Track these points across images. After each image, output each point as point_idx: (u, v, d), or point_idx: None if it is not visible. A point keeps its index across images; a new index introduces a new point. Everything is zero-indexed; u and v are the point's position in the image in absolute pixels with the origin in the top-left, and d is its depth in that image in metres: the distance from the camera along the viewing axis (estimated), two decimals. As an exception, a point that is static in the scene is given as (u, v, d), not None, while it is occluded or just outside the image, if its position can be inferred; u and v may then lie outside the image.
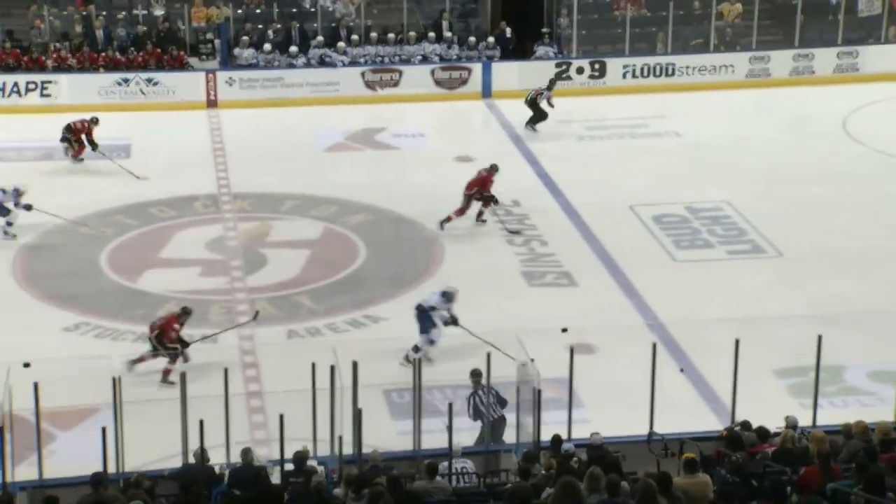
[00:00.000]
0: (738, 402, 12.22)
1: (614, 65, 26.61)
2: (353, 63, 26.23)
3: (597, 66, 26.59)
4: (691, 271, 17.90)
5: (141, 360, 14.57)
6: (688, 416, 13.15)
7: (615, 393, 13.92)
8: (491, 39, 26.89)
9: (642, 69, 26.60)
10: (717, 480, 9.77)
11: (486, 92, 26.24)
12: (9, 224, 18.59)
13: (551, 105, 23.76)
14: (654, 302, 16.66)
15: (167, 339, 14.40)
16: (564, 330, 15.35)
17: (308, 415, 11.46)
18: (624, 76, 26.53)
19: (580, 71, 26.51)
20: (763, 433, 11.20)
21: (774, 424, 11.43)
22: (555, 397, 12.66)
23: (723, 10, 27.58)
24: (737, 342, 11.97)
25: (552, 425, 11.84)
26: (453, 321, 15.04)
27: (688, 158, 22.32)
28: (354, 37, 26.55)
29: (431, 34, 26.73)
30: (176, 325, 14.50)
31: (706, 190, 20.57)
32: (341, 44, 26.32)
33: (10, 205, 18.50)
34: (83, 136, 21.40)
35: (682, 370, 13.10)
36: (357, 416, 11.16)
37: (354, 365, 11.24)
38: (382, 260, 18.23)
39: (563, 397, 12.52)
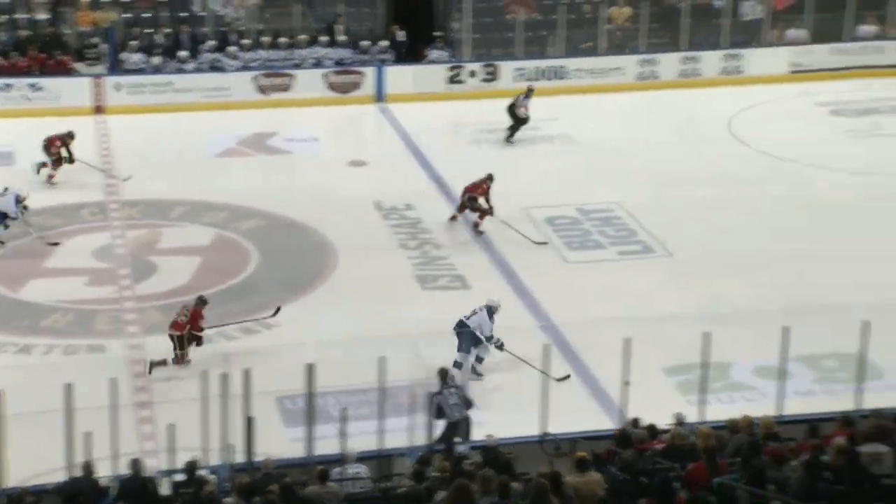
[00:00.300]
0: (628, 400, 12.37)
1: (507, 68, 26.79)
2: (245, 67, 25.96)
3: (489, 69, 26.75)
4: (583, 272, 18.09)
5: (164, 363, 14.74)
6: (580, 415, 13.30)
7: (509, 394, 14.00)
8: (384, 43, 26.86)
9: (534, 72, 26.85)
10: (607, 478, 9.88)
11: (380, 96, 26.21)
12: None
13: (526, 113, 23.63)
14: (547, 303, 16.79)
15: (197, 330, 14.85)
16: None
17: (199, 424, 11.29)
18: (516, 79, 26.72)
19: (473, 74, 26.64)
20: (653, 430, 11.37)
21: (664, 421, 11.61)
22: (449, 400, 12.71)
23: (612, 13, 27.95)
24: (626, 342, 12.12)
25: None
26: (499, 347, 14.76)
27: (579, 160, 22.56)
28: (245, 41, 26.31)
29: (324, 38, 26.62)
30: (202, 315, 14.93)
31: (597, 192, 20.81)
32: (232, 48, 26.06)
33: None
34: (61, 151, 20.73)
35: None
36: (248, 424, 11.04)
37: (246, 373, 11.11)
38: (275, 266, 18.08)
39: (457, 400, 12.56)
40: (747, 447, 10.21)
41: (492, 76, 26.74)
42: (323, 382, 12.09)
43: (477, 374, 14.72)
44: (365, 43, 26.77)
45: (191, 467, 10.69)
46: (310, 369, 11.53)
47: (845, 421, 10.98)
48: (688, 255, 18.39)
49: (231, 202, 20.25)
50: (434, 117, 24.92)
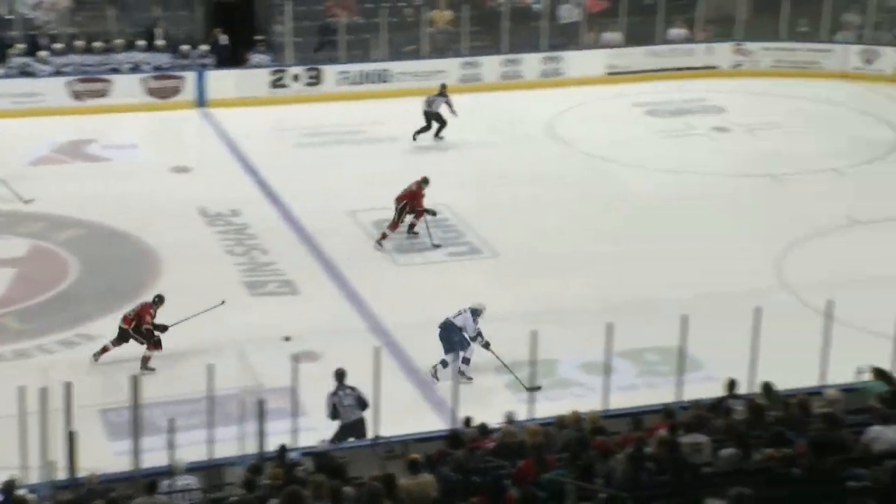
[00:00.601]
0: (459, 400, 12.47)
1: (330, 72, 26.73)
2: (57, 73, 25.19)
3: (312, 73, 26.62)
4: (413, 274, 18.17)
5: (104, 350, 14.94)
6: (412, 417, 13.34)
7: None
8: (205, 47, 26.43)
9: (358, 76, 26.85)
10: (439, 479, 9.94)
11: (201, 101, 25.78)
12: None
13: (453, 112, 23.38)
14: (378, 306, 16.80)
15: (144, 325, 14.93)
16: (287, 339, 15.43)
17: (18, 441, 10.88)
18: (340, 83, 26.68)
19: (296, 78, 26.46)
20: (483, 429, 11.48)
21: (495, 420, 11.75)
22: (280, 407, 12.55)
23: (433, 16, 28.19)
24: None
25: (278, 435, 11.73)
26: (485, 346, 14.74)
27: (405, 163, 22.60)
28: (57, 45, 25.49)
29: (141, 42, 26.02)
30: (150, 312, 15.00)
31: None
32: (43, 52, 25.22)
33: None
34: None
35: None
36: (70, 438, 10.70)
37: (67, 386, 10.77)
38: (96, 276, 17.58)
39: (288, 406, 12.43)
40: (575, 442, 10.42)
41: (315, 80, 26.63)
42: (149, 393, 11.83)
43: (466, 378, 14.53)
44: (185, 47, 26.29)
45: (9, 487, 10.27)
46: (135, 380, 11.25)
47: (667, 412, 11.31)
48: (513, 255, 18.66)
49: (48, 212, 19.61)
50: (258, 122, 24.67)
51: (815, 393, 12.28)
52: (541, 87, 27.75)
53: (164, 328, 15.02)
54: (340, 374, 13.16)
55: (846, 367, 13.07)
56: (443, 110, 23.57)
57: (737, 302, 14.55)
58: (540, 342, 12.46)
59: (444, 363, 14.70)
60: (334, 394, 13.00)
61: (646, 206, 20.64)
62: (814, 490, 9.54)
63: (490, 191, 21.12)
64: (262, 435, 11.56)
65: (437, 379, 14.74)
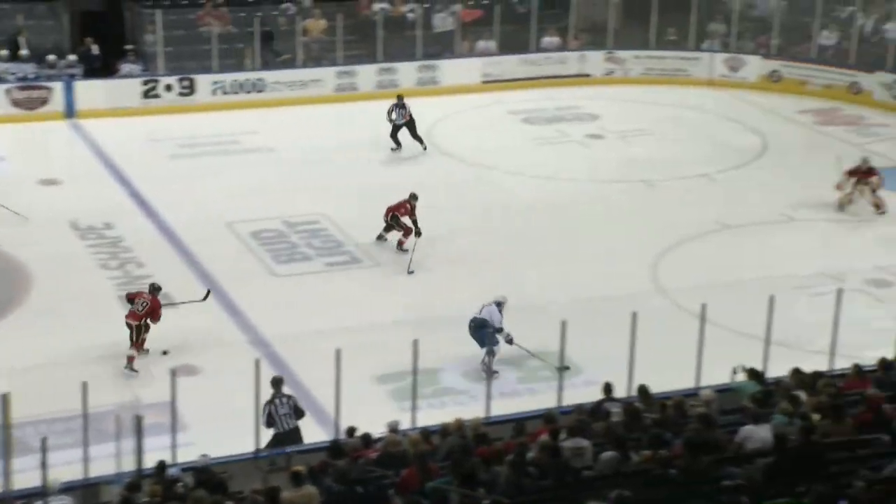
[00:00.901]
0: (342, 410, 12.41)
1: (203, 81, 26.37)
2: (-86, 83, 24.41)
3: (185, 82, 26.24)
4: (292, 285, 18.03)
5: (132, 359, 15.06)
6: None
7: (221, 413, 13.73)
8: (72, 57, 25.83)
9: (232, 85, 26.56)
10: (322, 490, 9.87)
11: (70, 112, 25.19)
12: None
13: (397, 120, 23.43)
14: (257, 318, 16.62)
15: (156, 319, 15.25)
16: (165, 352, 15.17)
17: None
18: (214, 93, 26.35)
19: (169, 88, 26.05)
20: (367, 439, 11.44)
21: (378, 429, 11.71)
22: (158, 422, 12.33)
23: (308, 25, 28.05)
24: (338, 352, 12.16)
25: (156, 451, 11.52)
26: (509, 341, 15.10)
27: (282, 173, 22.47)
28: (-88, 54, 24.72)
29: (4, 52, 25.32)
30: (160, 304, 15.35)
31: (302, 204, 20.78)
32: None
33: None
34: None
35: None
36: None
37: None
38: (-37, 292, 17.04)
39: (167, 421, 12.20)
40: (458, 450, 10.45)
41: (188, 90, 26.24)
42: (21, 412, 11.50)
43: (492, 372, 14.60)
44: (51, 57, 25.64)
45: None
46: (4, 399, 10.93)
47: (548, 418, 11.43)
48: (395, 264, 18.64)
49: None
50: (130, 133, 24.22)
51: (691, 394, 12.56)
52: (418, 95, 27.73)
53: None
54: (277, 382, 13.00)
55: (720, 369, 13.40)
56: (395, 119, 23.49)
57: (614, 306, 14.80)
58: (422, 350, 12.49)
59: (491, 351, 14.90)
60: (270, 402, 12.78)
61: (525, 212, 20.84)
62: (690, 490, 9.74)
63: (369, 200, 21.03)
64: (139, 451, 11.35)
65: (496, 371, 14.83)
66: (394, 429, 11.59)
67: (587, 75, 29.27)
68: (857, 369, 12.79)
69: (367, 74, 27.87)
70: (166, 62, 26.58)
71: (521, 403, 13.88)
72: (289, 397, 13.00)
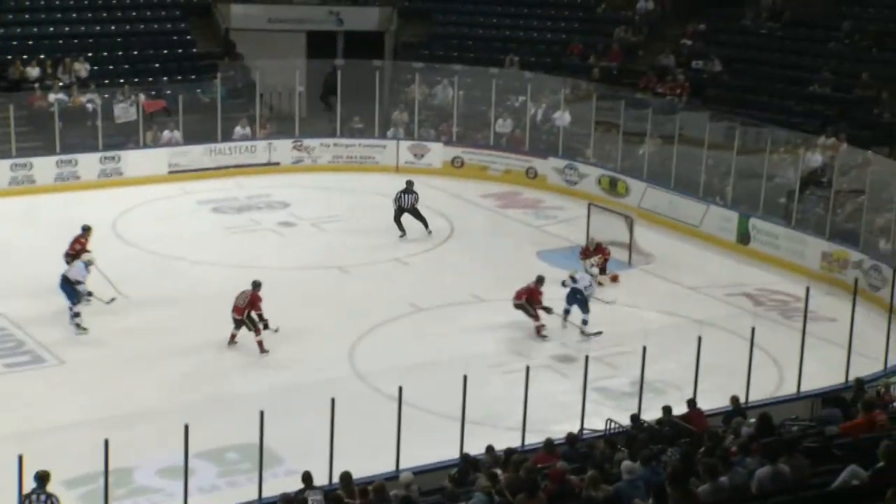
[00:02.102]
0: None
1: None
2: None
3: None
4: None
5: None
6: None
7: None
8: None
9: None
10: None
11: None
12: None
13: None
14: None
15: (257, 311, 18.41)
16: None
17: None
18: None
19: None
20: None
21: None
22: None
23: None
24: (20, 458, 11.43)
25: None
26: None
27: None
28: None
29: None
30: (261, 298, 18.38)
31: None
32: None
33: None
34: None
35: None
36: None
37: None
38: None
39: None
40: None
41: None
42: None
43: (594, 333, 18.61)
44: None
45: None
46: None
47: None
48: (82, 360, 17.87)
49: None
50: None
51: (392, 477, 12.60)
52: (101, 187, 27.00)
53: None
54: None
55: (419, 450, 13.54)
56: (411, 203, 24.41)
57: (313, 393, 14.69)
58: (114, 449, 11.91)
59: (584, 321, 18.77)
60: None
61: (215, 302, 20.42)
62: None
63: (49, 297, 20.10)
64: None
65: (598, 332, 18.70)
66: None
67: (276, 164, 29.38)
68: (549, 443, 13.23)
69: (44, 166, 26.84)
70: None
71: (220, 498, 13.50)
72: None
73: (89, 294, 19.23)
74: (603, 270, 22.16)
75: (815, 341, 17.43)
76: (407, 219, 24.57)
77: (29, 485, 12.51)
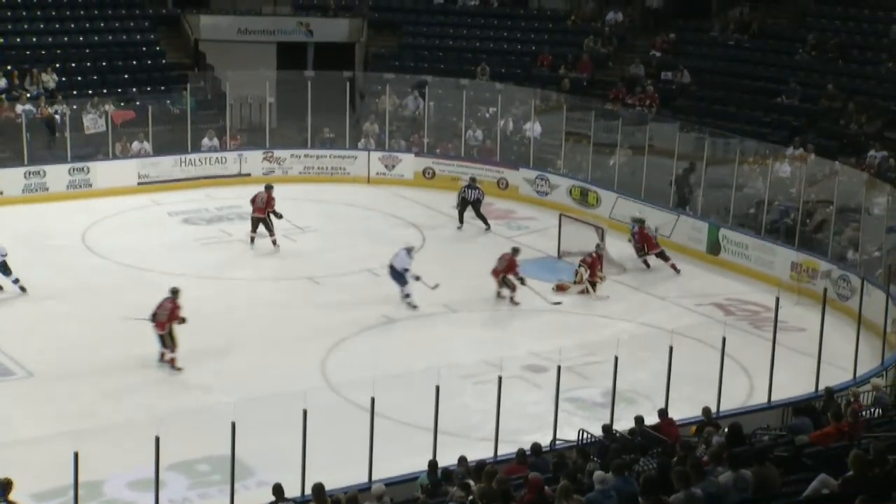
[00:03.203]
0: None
1: None
2: None
3: None
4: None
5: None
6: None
7: None
8: None
9: None
10: None
11: None
12: None
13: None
14: None
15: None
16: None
17: None
18: None
19: None
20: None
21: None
22: None
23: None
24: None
25: None
26: (417, 278, 20.63)
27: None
28: None
29: None
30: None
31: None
32: None
33: None
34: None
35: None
36: None
37: None
38: None
39: None
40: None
41: None
42: None
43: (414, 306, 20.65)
44: None
45: None
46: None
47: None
48: (51, 372, 17.73)
49: None
50: None
51: (365, 489, 12.56)
52: (70, 198, 26.84)
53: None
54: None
55: (392, 461, 13.52)
56: (475, 197, 25.85)
57: (284, 404, 14.62)
58: (84, 462, 11.82)
59: (407, 294, 20.81)
60: None
61: (189, 313, 20.34)
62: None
63: (19, 308, 19.98)
64: None
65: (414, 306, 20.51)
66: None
67: (247, 175, 29.26)
68: (521, 454, 13.23)
69: (12, 178, 26.69)
70: None
71: (191, 511, 13.43)
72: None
73: (417, 278, 20.99)
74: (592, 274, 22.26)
75: (785, 351, 17.56)
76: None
77: (16, 494, 12.44)
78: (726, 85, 30.57)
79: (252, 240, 24.10)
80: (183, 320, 18.11)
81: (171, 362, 17.98)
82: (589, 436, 14.58)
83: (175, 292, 18.27)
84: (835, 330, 18.97)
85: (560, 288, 22.20)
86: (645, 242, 23.72)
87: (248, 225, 25.53)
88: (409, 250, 21.25)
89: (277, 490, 12.22)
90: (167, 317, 18.00)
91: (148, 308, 18.28)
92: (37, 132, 27.58)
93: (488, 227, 26.14)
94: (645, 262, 23.75)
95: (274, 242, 23.71)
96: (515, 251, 21.61)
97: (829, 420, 13.14)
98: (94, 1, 33.17)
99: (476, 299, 21.52)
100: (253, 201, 24.11)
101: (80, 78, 30.55)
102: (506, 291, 21.46)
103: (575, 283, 22.13)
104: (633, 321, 20.99)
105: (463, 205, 26.12)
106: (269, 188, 24.05)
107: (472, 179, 26.53)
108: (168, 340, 18.00)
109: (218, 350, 18.80)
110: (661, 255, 23.64)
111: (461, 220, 26.19)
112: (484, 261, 22.14)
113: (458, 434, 14.98)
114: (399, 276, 21.01)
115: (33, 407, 16.67)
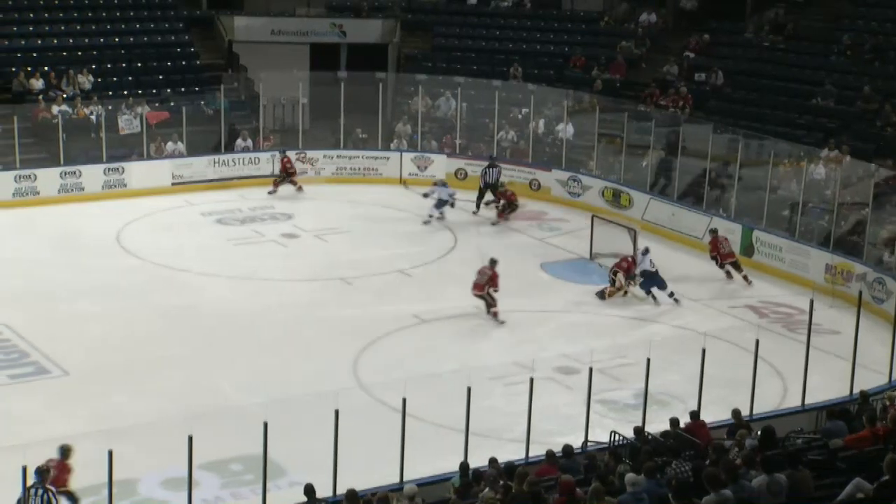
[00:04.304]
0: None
1: None
2: None
3: None
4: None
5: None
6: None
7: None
8: None
9: None
10: None
11: None
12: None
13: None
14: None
15: (495, 288, 20.36)
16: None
17: None
18: None
19: None
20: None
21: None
22: None
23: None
24: (23, 469, 11.42)
25: None
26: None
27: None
28: None
29: None
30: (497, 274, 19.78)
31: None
32: None
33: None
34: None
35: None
36: None
37: None
38: None
39: None
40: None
41: None
42: None
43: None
44: None
45: None
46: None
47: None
48: (85, 372, 17.84)
49: None
50: None
51: (397, 489, 12.57)
52: (105, 198, 27.03)
53: None
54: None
55: (423, 462, 13.52)
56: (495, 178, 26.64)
57: (316, 404, 14.66)
58: (118, 461, 11.90)
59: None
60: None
61: (221, 313, 20.51)
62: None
63: (54, 308, 20.14)
64: None
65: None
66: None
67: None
68: (551, 455, 13.20)
69: (48, 178, 26.87)
70: None
71: (224, 510, 13.49)
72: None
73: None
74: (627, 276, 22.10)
75: (819, 354, 17.43)
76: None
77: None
78: (760, 87, 30.37)
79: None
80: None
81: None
82: (621, 438, 14.53)
83: (494, 262, 20.24)
84: (870, 333, 18.82)
85: (608, 294, 22.04)
86: (717, 252, 23.10)
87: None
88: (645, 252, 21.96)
89: (309, 490, 12.25)
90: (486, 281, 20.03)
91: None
92: (73, 132, 27.78)
93: (475, 212, 26.84)
94: (727, 273, 23.18)
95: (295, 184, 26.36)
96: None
97: (864, 424, 13.04)
98: (128, 2, 33.38)
99: (507, 301, 21.49)
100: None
101: (115, 79, 30.77)
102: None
103: (617, 288, 21.98)
104: (666, 323, 20.91)
105: (484, 188, 26.69)
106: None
107: (492, 157, 27.08)
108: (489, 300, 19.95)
109: (250, 350, 18.87)
110: (735, 266, 23.13)
111: (477, 206, 26.81)
112: (516, 262, 22.07)
113: (488, 435, 14.97)
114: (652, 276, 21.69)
115: (68, 405, 16.77)
